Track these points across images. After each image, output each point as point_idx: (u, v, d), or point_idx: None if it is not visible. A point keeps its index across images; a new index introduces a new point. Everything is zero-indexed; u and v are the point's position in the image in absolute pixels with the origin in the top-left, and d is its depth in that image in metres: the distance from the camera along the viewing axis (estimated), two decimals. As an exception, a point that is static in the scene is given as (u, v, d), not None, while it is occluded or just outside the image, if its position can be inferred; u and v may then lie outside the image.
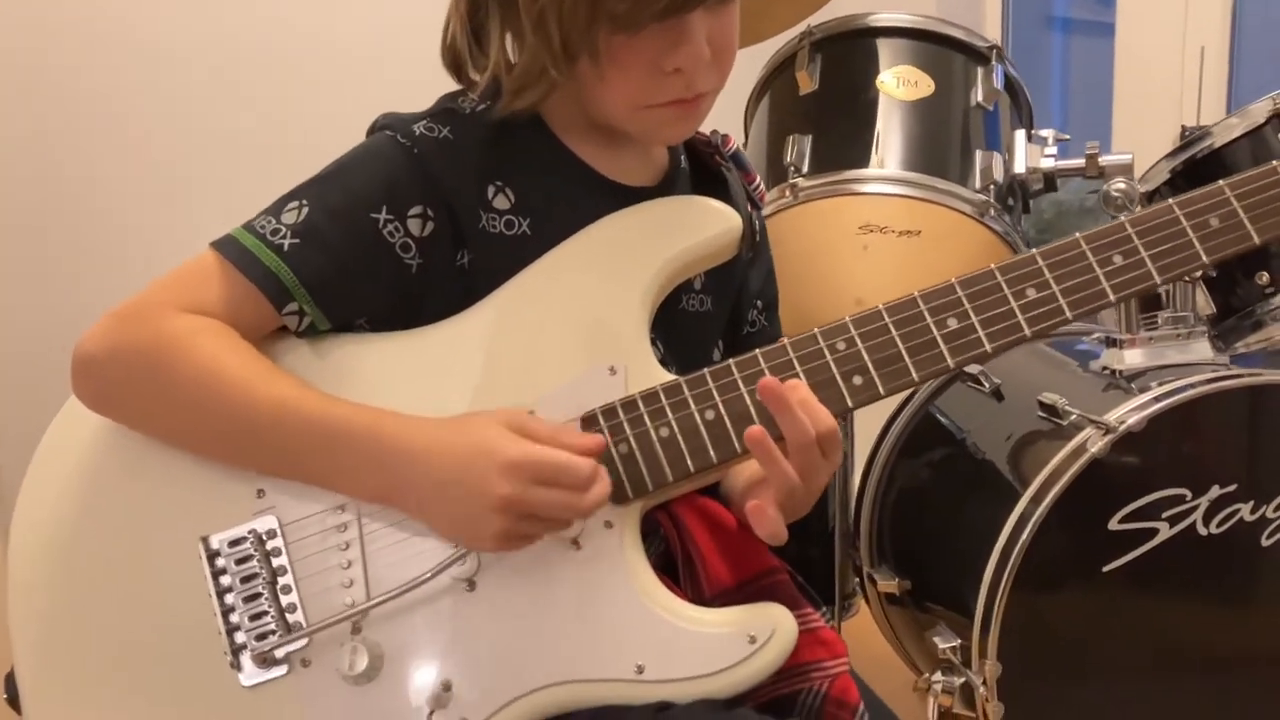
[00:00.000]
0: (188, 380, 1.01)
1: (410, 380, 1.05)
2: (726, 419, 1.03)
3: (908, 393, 1.95)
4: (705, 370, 1.05)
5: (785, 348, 1.04)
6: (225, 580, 1.04)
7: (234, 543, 1.04)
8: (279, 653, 1.02)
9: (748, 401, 1.03)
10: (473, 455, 0.97)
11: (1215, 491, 1.48)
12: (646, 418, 1.04)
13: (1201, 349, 1.66)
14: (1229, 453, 1.54)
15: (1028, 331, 1.03)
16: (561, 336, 1.07)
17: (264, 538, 1.04)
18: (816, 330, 1.04)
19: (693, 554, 1.11)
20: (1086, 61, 2.91)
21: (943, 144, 1.76)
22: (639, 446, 1.03)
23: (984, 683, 1.50)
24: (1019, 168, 1.77)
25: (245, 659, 1.02)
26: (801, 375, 1.03)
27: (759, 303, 1.28)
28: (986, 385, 1.78)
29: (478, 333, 1.08)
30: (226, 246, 1.05)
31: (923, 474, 1.88)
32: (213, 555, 1.04)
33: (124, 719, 1.03)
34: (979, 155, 1.74)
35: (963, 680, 1.56)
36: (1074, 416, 1.54)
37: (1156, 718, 1.53)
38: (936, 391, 1.90)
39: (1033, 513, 1.46)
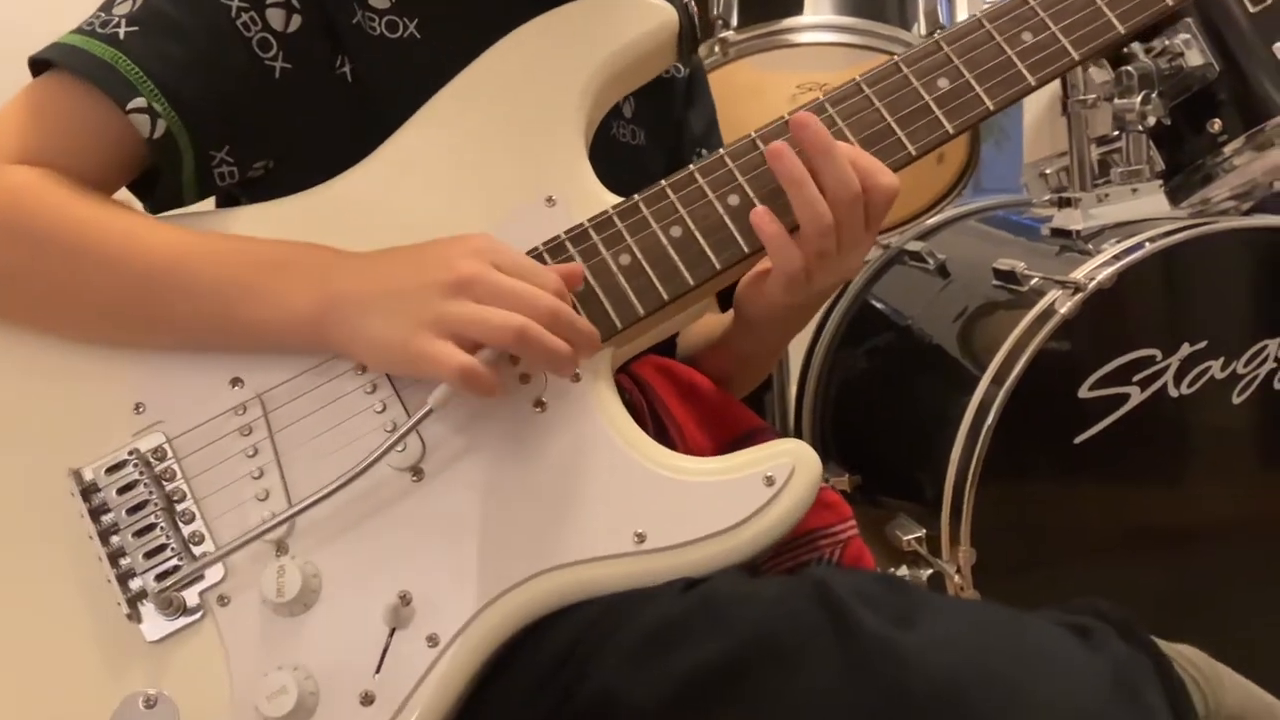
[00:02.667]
0: (53, 226, 0.79)
1: (322, 241, 0.82)
2: (697, 233, 0.83)
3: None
4: (662, 182, 0.84)
5: (754, 140, 0.85)
6: (108, 518, 0.80)
7: (113, 469, 0.80)
8: (189, 595, 0.78)
9: (719, 210, 0.83)
10: (427, 246, 0.77)
11: (1185, 350, 1.35)
12: (601, 246, 0.83)
13: (1158, 203, 1.50)
14: (1198, 307, 1.40)
15: (1031, 80, 0.85)
16: (484, 170, 0.86)
17: (150, 459, 0.80)
18: (787, 116, 0.85)
19: (664, 419, 0.90)
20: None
21: (879, -15, 1.57)
22: (598, 280, 0.82)
23: (958, 570, 1.33)
24: (962, 14, 1.58)
25: (146, 608, 0.78)
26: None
27: (703, 150, 1.09)
28: (931, 262, 1.61)
29: (384, 179, 0.86)
30: (46, 51, 0.83)
31: (866, 363, 1.69)
32: (88, 490, 0.80)
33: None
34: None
35: (930, 572, 1.38)
36: (1035, 280, 1.38)
37: (1135, 592, 1.36)
38: (873, 278, 1.72)
39: (1001, 383, 1.30)
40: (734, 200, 0.83)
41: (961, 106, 0.85)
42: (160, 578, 0.78)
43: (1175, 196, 1.58)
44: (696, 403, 0.91)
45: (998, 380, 1.30)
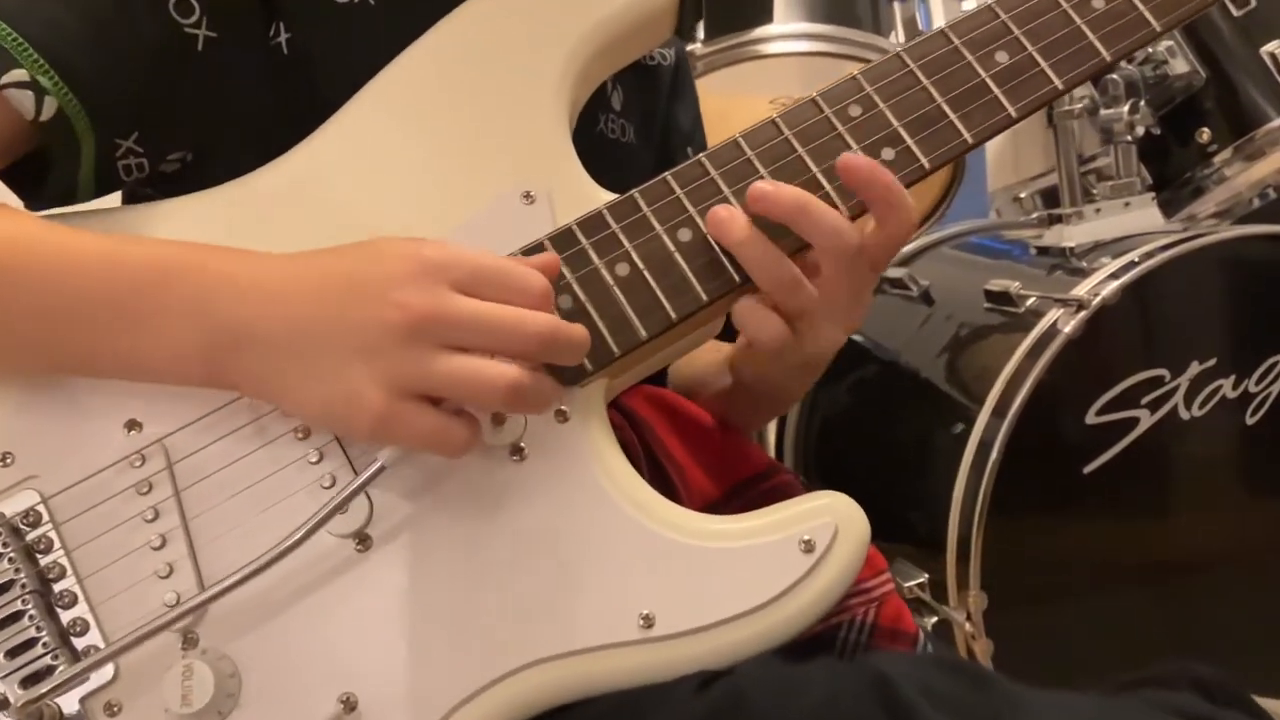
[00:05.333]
0: None
1: (246, 243, 0.63)
2: (710, 237, 0.65)
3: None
4: (666, 175, 0.66)
5: (776, 124, 0.67)
6: (-39, 602, 0.60)
7: (-32, 540, 0.60)
8: (66, 701, 0.58)
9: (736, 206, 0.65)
10: (366, 261, 0.58)
11: (1195, 369, 1.22)
12: (592, 253, 0.64)
13: (1152, 217, 1.39)
14: (1204, 323, 1.28)
15: (1106, 54, 0.68)
16: (446, 158, 0.67)
17: (19, 524, 0.61)
18: (816, 95, 0.67)
19: (662, 461, 0.72)
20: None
21: (851, -9, 1.43)
22: (590, 296, 0.63)
23: (968, 617, 1.17)
24: (939, 20, 1.44)
25: (8, 722, 0.58)
26: (807, 158, 0.66)
27: (690, 150, 0.91)
28: (913, 289, 1.46)
29: (323, 167, 0.67)
30: None
31: (850, 399, 1.53)
32: (-64, 567, 0.60)
33: None
34: (897, 6, 1.42)
35: (936, 619, 1.23)
36: (1032, 300, 1.24)
37: (1153, 628, 1.24)
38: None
39: (1003, 414, 1.16)
40: (754, 197, 0.65)
41: (1025, 85, 0.68)
42: (27, 682, 0.58)
43: (1165, 211, 1.48)
44: (697, 441, 0.74)
45: (999, 411, 1.15)
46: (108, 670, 0.59)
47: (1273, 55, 1.31)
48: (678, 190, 0.65)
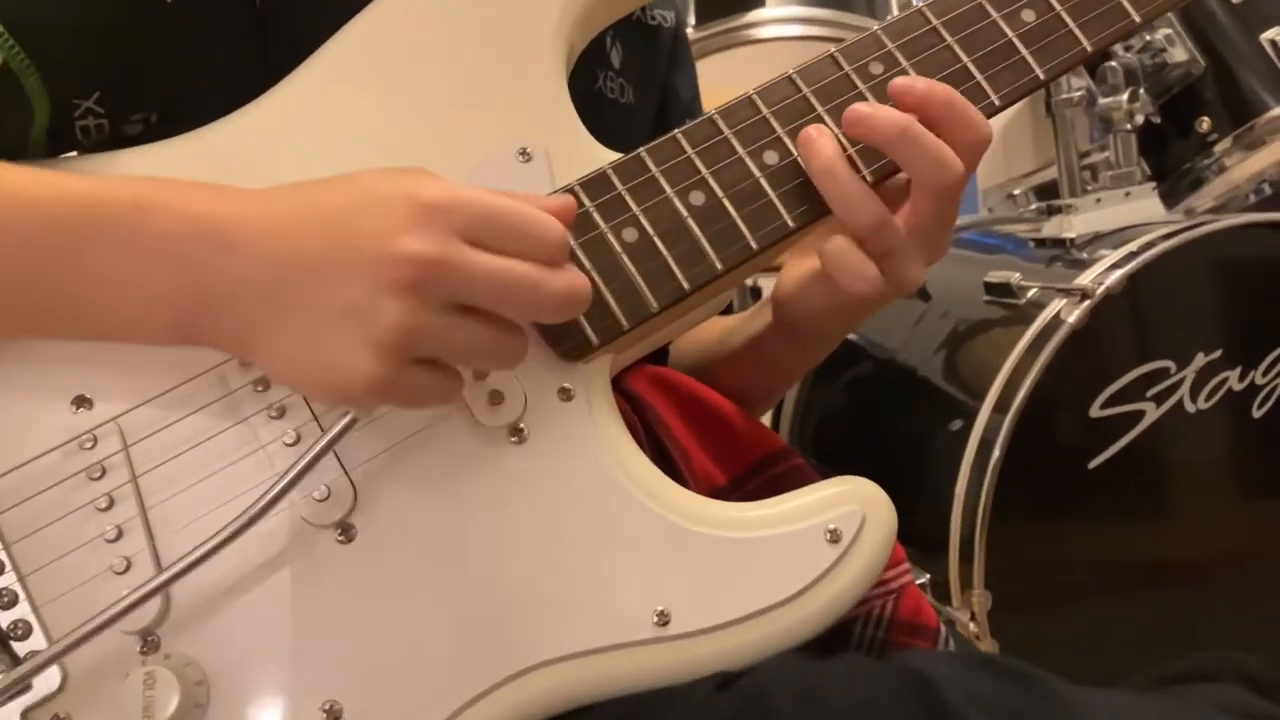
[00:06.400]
0: None
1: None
2: (726, 201, 0.59)
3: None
4: (676, 132, 0.61)
5: (793, 80, 0.61)
6: (-115, 603, 0.52)
7: (-108, 532, 0.53)
8: (7, 713, 0.51)
9: (754, 170, 0.60)
10: (358, 205, 0.51)
11: (1200, 360, 1.19)
12: (598, 216, 0.58)
13: (1153, 207, 1.37)
14: (1210, 314, 1.24)
15: (1135, 15, 0.64)
16: (432, 112, 0.61)
17: (-49, 515, 0.53)
18: (835, 52, 0.62)
19: (667, 444, 0.67)
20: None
21: (843, -27, 1.40)
22: (596, 264, 0.58)
23: (972, 617, 1.14)
24: None
25: (-60, 738, 0.51)
26: (827, 119, 0.61)
27: (689, 121, 0.85)
28: None
29: (300, 119, 0.60)
30: None
31: (846, 398, 1.48)
32: None
33: None
34: (892, -13, 1.39)
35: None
36: (1034, 291, 1.20)
37: (1159, 626, 1.20)
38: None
39: (1005, 409, 1.12)
40: (771, 158, 0.60)
41: (1052, 46, 0.63)
42: (-37, 692, 0.51)
43: (1164, 204, 1.45)
44: (703, 423, 0.68)
45: (1000, 407, 1.11)
46: (54, 677, 0.52)
47: (1273, 42, 1.29)
48: (689, 150, 0.60)
